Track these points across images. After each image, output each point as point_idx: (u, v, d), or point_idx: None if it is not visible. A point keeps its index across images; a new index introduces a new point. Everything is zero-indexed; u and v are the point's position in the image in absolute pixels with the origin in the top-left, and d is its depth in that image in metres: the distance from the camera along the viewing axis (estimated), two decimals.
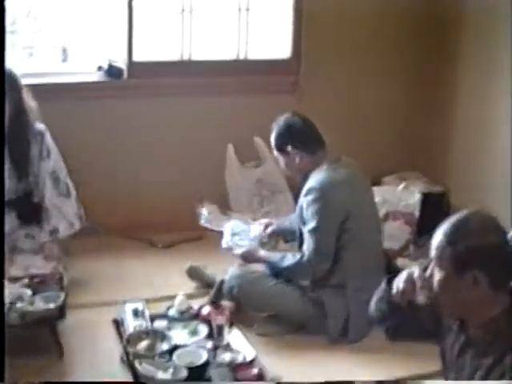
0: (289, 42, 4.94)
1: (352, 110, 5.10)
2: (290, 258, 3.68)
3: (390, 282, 2.41)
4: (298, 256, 3.65)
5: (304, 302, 3.66)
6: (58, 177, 4.23)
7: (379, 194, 4.49)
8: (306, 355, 3.51)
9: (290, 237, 4.02)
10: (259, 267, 3.85)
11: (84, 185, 4.52)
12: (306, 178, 3.72)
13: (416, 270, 2.31)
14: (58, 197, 4.19)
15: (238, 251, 3.89)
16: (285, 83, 4.93)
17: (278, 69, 4.93)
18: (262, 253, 3.87)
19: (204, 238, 4.68)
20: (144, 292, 4.01)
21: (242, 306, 3.72)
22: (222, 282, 3.76)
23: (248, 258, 3.86)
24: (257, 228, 4.13)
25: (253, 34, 4.88)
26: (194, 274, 4.22)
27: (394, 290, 2.36)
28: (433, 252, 2.21)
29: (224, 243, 4.09)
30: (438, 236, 2.19)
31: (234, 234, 4.11)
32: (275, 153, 3.81)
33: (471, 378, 2.23)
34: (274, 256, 3.81)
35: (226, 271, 3.85)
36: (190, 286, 4.20)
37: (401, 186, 4.74)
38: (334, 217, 3.60)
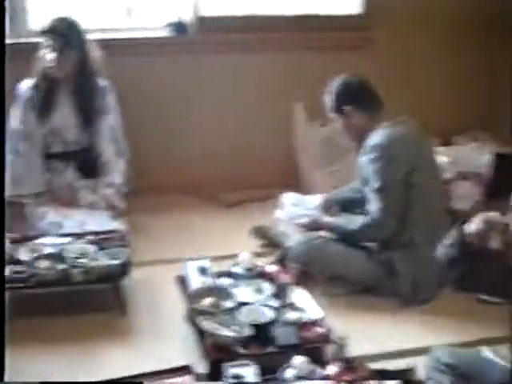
0: None
1: (423, 68, 4.94)
2: (356, 221, 3.58)
3: (462, 226, 2.30)
4: (365, 217, 3.54)
5: (371, 264, 3.57)
6: (117, 134, 4.23)
7: (449, 153, 4.41)
8: (374, 316, 3.42)
9: (349, 205, 3.91)
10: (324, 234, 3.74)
11: (149, 142, 4.49)
12: (363, 139, 3.60)
13: (494, 214, 2.20)
14: (115, 154, 4.17)
15: (302, 220, 3.78)
16: (355, 39, 4.80)
17: (349, 25, 4.81)
18: (327, 219, 3.77)
19: (271, 198, 4.58)
20: (209, 249, 3.97)
21: (308, 270, 3.63)
22: (287, 248, 3.71)
23: (313, 226, 3.76)
24: (316, 198, 4.05)
25: None
26: (259, 233, 4.18)
27: (470, 230, 2.25)
28: None
29: (285, 214, 4.03)
30: None
31: (294, 205, 4.04)
32: (332, 114, 3.69)
33: None
34: (340, 221, 3.72)
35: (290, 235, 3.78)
36: (255, 244, 4.15)
37: (471, 146, 4.58)
38: (399, 172, 3.49)
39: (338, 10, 4.85)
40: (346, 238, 3.63)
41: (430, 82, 4.99)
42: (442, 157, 4.40)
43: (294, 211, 4.00)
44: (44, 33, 4.01)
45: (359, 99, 3.61)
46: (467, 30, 4.92)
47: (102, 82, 4.19)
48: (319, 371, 2.70)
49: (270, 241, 4.10)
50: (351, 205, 3.88)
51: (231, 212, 4.68)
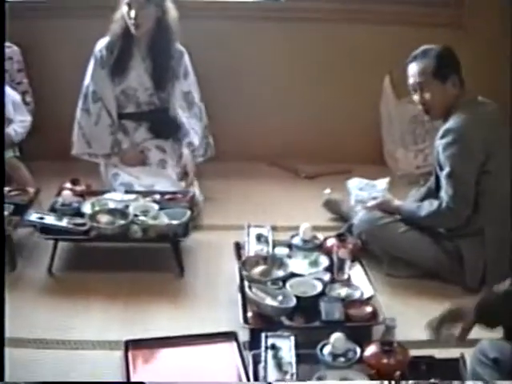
0: None
1: None
2: (427, 206, 3.45)
3: None
4: (435, 203, 3.41)
5: (437, 250, 3.45)
6: (193, 99, 4.22)
7: None
8: (432, 302, 3.25)
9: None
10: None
11: (230, 110, 4.48)
12: (447, 117, 3.43)
13: None
14: (190, 118, 4.15)
15: (373, 202, 3.69)
16: (447, 16, 4.61)
17: (441, 1, 4.60)
18: (398, 202, 3.65)
19: (352, 171, 4.51)
20: (278, 219, 3.95)
21: (369, 248, 3.55)
22: (351, 225, 3.64)
23: (382, 208, 3.64)
24: (383, 182, 3.97)
25: None
26: (330, 206, 4.13)
27: None
28: None
29: (352, 198, 3.98)
30: None
31: (360, 189, 3.98)
32: (424, 81, 3.45)
33: None
34: (411, 205, 3.60)
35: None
36: (327, 217, 4.11)
37: None
38: (474, 159, 3.34)
39: None
40: (416, 222, 3.51)
41: None
42: None
43: (361, 195, 3.93)
44: None
45: (459, 70, 3.43)
46: None
47: (179, 46, 4.16)
48: (356, 351, 2.62)
49: (340, 215, 4.04)
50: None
51: (309, 184, 4.62)
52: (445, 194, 3.37)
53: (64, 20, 4.55)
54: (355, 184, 4.07)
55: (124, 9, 3.98)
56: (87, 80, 4.16)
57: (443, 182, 3.39)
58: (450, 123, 3.38)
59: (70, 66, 4.45)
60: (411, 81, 3.49)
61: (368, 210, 3.66)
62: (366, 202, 3.78)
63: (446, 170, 3.36)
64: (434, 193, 3.56)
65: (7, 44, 4.39)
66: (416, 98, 3.50)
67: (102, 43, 4.14)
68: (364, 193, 3.96)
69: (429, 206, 3.44)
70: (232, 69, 4.66)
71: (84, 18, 4.49)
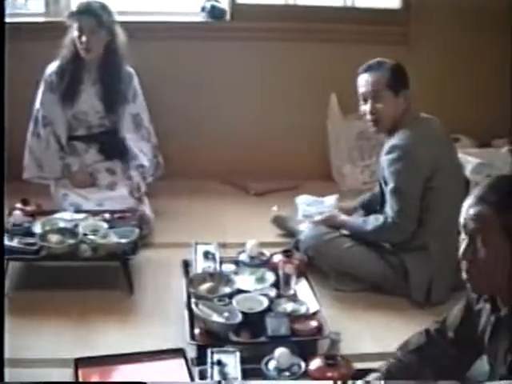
0: None
1: (462, 66, 4.83)
2: (372, 221, 3.52)
3: None
4: (381, 218, 3.48)
5: (382, 265, 3.52)
6: (141, 121, 4.27)
7: (483, 155, 4.31)
8: (378, 315, 3.37)
9: (369, 206, 3.88)
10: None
11: (178, 128, 4.54)
12: (393, 132, 3.52)
13: None
14: (138, 140, 4.21)
15: (319, 217, 3.76)
16: (393, 34, 4.73)
17: (386, 19, 4.73)
18: (343, 217, 3.73)
19: (300, 188, 4.58)
20: (227, 236, 4.04)
21: (315, 263, 3.62)
22: (298, 241, 3.71)
23: (329, 223, 3.71)
24: (331, 198, 4.05)
25: None
26: (278, 222, 4.19)
27: None
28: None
29: (300, 214, 4.04)
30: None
31: (308, 205, 4.05)
32: (375, 92, 3.52)
33: (504, 361, 2.06)
34: (356, 220, 3.69)
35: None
36: (275, 233, 4.17)
37: (505, 149, 4.48)
38: (418, 175, 3.42)
39: (378, 3, 4.79)
40: (361, 237, 3.59)
41: (470, 80, 4.86)
42: (474, 158, 4.32)
43: (308, 210, 4.00)
44: (75, 13, 4.04)
45: (407, 84, 3.52)
46: (508, 26, 4.77)
47: (128, 68, 4.21)
48: (301, 365, 2.69)
49: (288, 231, 4.09)
50: (371, 206, 3.81)
51: (258, 201, 4.68)
52: (390, 209, 3.44)
53: (18, 42, 4.55)
54: (303, 200, 4.13)
55: (75, 33, 4.02)
56: (37, 104, 4.19)
57: (388, 197, 3.46)
58: (396, 139, 3.46)
59: (21, 88, 4.45)
60: (362, 90, 3.54)
61: (314, 224, 3.72)
62: (313, 217, 3.83)
63: (391, 185, 3.43)
64: (378, 199, 3.64)
65: None
66: (365, 108, 3.54)
67: (51, 67, 4.16)
68: (312, 208, 4.02)
69: (374, 220, 3.51)
70: (180, 88, 4.71)
71: (35, 40, 4.51)
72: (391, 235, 3.51)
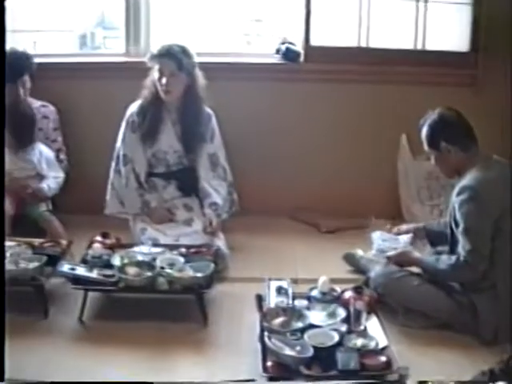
0: (467, 34, 4.78)
1: None
2: (445, 260, 3.56)
3: None
4: (454, 257, 3.52)
5: (451, 303, 3.55)
6: (218, 159, 4.39)
7: None
8: (447, 351, 3.40)
9: (437, 240, 3.92)
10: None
11: (255, 166, 4.66)
12: (457, 176, 3.61)
13: None
14: (214, 179, 4.33)
15: (392, 253, 3.83)
16: (461, 76, 4.79)
17: (455, 61, 4.76)
18: (416, 254, 3.78)
19: (370, 226, 4.63)
20: (296, 271, 4.12)
21: (385, 300, 3.67)
22: (368, 278, 3.78)
23: (402, 259, 3.78)
24: (405, 236, 4.06)
25: (431, 24, 4.79)
26: (350, 259, 4.25)
27: None
28: None
29: (374, 248, 4.09)
30: None
31: (384, 240, 4.08)
32: (427, 148, 3.68)
33: None
34: (429, 258, 3.72)
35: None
36: (346, 270, 4.23)
37: None
38: (489, 215, 3.44)
39: (447, 46, 4.84)
40: (433, 275, 3.64)
41: None
42: None
43: (383, 245, 4.04)
44: (156, 56, 4.19)
45: (455, 136, 3.59)
46: None
47: (207, 109, 4.35)
48: None
49: (358, 268, 4.16)
50: (440, 239, 3.86)
51: (329, 237, 4.76)
52: (462, 249, 3.47)
53: (98, 81, 4.77)
54: (378, 235, 4.15)
55: (155, 75, 4.17)
56: (119, 143, 4.36)
57: (460, 237, 3.49)
58: (466, 180, 3.51)
59: (103, 125, 4.66)
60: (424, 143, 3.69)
61: (388, 259, 3.80)
62: (387, 252, 3.89)
63: (462, 226, 3.47)
64: (448, 239, 3.68)
65: (44, 103, 4.61)
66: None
67: (133, 108, 4.33)
68: (386, 243, 4.06)
69: (447, 259, 3.55)
70: (255, 127, 4.85)
71: (117, 79, 4.71)
72: (463, 274, 3.53)
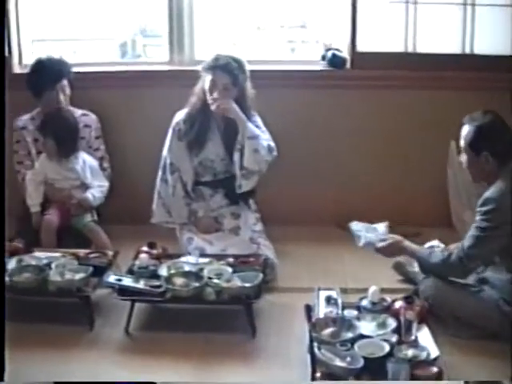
0: None
1: None
2: (438, 255, 3.59)
3: None
4: (446, 253, 3.55)
5: (500, 314, 3.48)
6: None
7: None
8: (496, 362, 3.32)
9: None
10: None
11: (302, 175, 4.65)
12: (483, 181, 3.60)
13: None
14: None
15: (382, 244, 3.77)
16: (510, 80, 4.67)
17: (504, 65, 4.63)
18: (407, 243, 3.76)
19: (421, 234, 4.56)
20: (345, 281, 4.10)
21: (435, 311, 3.61)
22: (418, 288, 3.72)
23: (393, 250, 3.78)
24: (382, 224, 3.95)
25: (478, 28, 4.71)
26: (399, 268, 4.20)
27: None
28: None
29: (361, 241, 3.92)
30: None
31: (367, 231, 3.94)
32: (464, 146, 3.59)
33: None
34: (422, 250, 3.74)
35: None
36: (394, 279, 4.18)
37: None
38: (505, 230, 3.41)
39: (495, 50, 4.73)
40: (424, 267, 3.66)
41: None
42: None
43: (369, 237, 3.89)
44: (213, 68, 4.15)
45: (499, 149, 3.51)
46: None
47: (254, 118, 4.31)
48: None
49: (408, 277, 4.10)
50: None
51: None
52: (463, 244, 3.49)
53: (141, 89, 4.77)
54: (358, 227, 3.97)
55: (206, 85, 4.14)
56: (165, 151, 4.34)
57: (469, 233, 3.50)
58: (489, 192, 3.48)
59: (145, 134, 4.66)
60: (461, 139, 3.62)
61: (377, 252, 3.78)
62: (375, 244, 3.82)
63: (476, 225, 3.47)
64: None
65: (85, 112, 4.60)
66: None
67: (180, 115, 4.31)
68: (371, 235, 3.90)
69: (440, 254, 3.59)
70: (302, 134, 4.83)
71: (160, 87, 4.70)
72: (453, 271, 3.57)
